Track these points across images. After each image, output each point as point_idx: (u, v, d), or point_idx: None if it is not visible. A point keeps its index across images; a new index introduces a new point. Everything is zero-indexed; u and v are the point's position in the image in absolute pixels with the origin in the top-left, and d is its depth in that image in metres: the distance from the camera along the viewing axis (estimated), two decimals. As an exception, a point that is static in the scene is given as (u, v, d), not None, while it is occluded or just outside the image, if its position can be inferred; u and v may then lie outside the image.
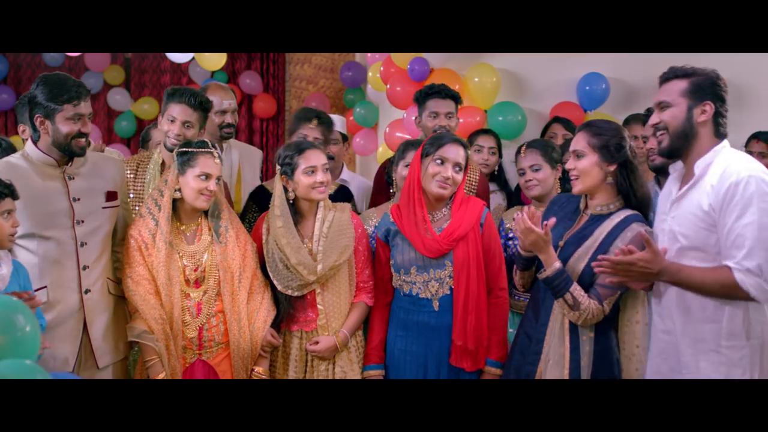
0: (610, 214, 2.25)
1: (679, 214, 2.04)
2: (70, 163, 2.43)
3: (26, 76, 6.24)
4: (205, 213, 2.53)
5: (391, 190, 2.92)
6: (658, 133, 2.09)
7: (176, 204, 2.47)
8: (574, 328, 2.23)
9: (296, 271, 2.47)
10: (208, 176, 2.42)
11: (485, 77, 3.82)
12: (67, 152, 2.39)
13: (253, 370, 2.51)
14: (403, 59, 4.06)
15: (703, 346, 1.99)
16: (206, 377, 2.42)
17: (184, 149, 2.46)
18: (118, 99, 6.20)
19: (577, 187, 2.28)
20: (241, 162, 3.45)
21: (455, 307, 2.45)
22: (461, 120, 3.31)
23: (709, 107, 2.02)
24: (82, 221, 2.42)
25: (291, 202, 2.54)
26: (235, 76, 6.29)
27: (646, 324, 2.20)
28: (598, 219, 2.26)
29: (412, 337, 2.50)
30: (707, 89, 2.03)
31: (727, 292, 1.93)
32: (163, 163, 2.88)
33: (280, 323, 2.56)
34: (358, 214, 2.85)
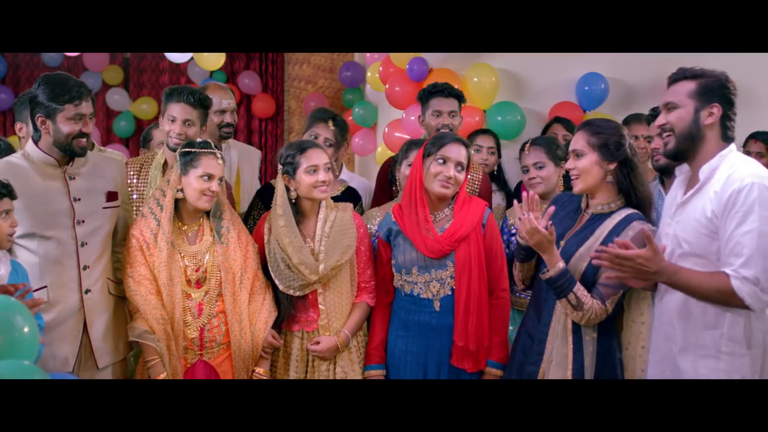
0: (611, 213, 2.25)
1: (683, 220, 2.03)
2: (70, 163, 2.43)
3: (25, 76, 6.23)
4: (207, 213, 2.53)
5: (394, 188, 2.92)
6: (665, 135, 2.07)
7: (178, 204, 2.47)
8: (576, 328, 2.23)
9: (298, 271, 2.47)
10: (210, 177, 2.42)
11: (484, 77, 3.82)
12: (68, 152, 2.39)
13: (254, 370, 2.51)
14: (402, 59, 4.06)
15: (703, 352, 1.97)
16: (207, 378, 2.42)
17: (186, 149, 2.46)
18: (116, 99, 6.20)
19: (577, 187, 2.28)
20: (240, 162, 3.45)
21: (456, 308, 2.44)
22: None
23: (717, 110, 1.99)
24: (83, 221, 2.42)
25: (293, 201, 2.54)
26: (234, 76, 6.29)
27: (651, 324, 2.19)
28: (599, 218, 2.26)
29: (412, 338, 2.50)
30: (715, 91, 2.00)
31: (723, 298, 1.91)
32: (165, 163, 2.88)
33: (281, 323, 2.56)
34: (362, 214, 2.85)
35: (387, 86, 4.18)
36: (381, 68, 4.36)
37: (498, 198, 3.49)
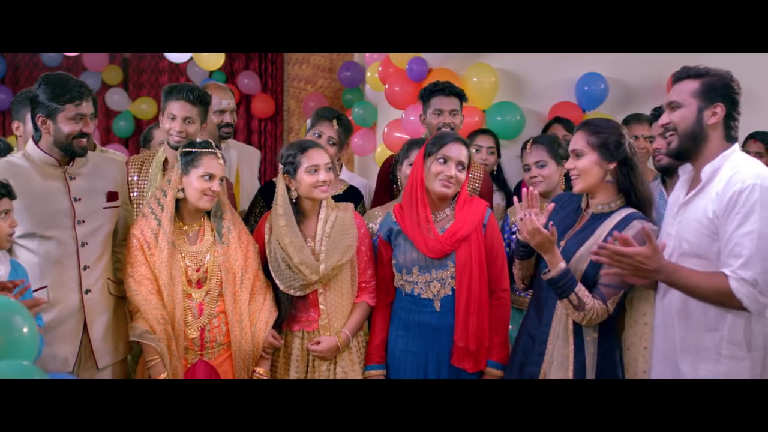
0: (612, 212, 2.24)
1: (685, 219, 2.01)
2: (71, 163, 2.44)
3: (24, 76, 6.24)
4: (208, 213, 2.53)
5: (395, 187, 2.91)
6: (668, 134, 2.05)
7: (179, 204, 2.47)
8: (577, 328, 2.22)
9: (299, 271, 2.47)
10: (211, 176, 2.42)
11: (484, 77, 3.82)
12: (69, 152, 2.39)
13: (254, 371, 2.51)
14: (401, 59, 4.06)
15: (703, 355, 1.96)
16: (208, 378, 2.42)
17: (187, 149, 2.46)
18: (116, 99, 6.20)
19: (577, 186, 2.28)
20: (240, 162, 3.45)
21: (457, 308, 2.44)
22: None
23: (720, 109, 1.98)
24: (83, 221, 2.42)
25: (294, 201, 2.54)
26: (234, 76, 6.29)
27: (654, 325, 2.18)
28: (599, 218, 2.26)
29: (413, 338, 2.50)
30: (719, 90, 1.98)
31: (721, 299, 1.89)
32: (165, 161, 2.88)
33: (281, 323, 2.56)
34: (363, 213, 2.85)
35: (386, 86, 4.18)
36: (380, 68, 4.36)
37: (498, 198, 3.49)
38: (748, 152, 3.28)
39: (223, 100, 3.21)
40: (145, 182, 2.86)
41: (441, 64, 3.95)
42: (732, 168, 1.93)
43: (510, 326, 2.60)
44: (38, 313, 2.07)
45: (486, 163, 3.43)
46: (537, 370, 2.27)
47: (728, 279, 1.86)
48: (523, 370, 2.33)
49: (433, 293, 2.47)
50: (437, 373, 2.48)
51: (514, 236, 2.79)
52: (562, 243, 2.28)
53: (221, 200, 2.52)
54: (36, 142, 2.40)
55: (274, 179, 2.96)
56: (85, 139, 2.39)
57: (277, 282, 2.51)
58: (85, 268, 2.42)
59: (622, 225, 2.19)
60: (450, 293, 2.46)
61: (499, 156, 3.53)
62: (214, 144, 2.50)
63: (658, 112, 2.80)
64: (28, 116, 2.92)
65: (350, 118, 5.15)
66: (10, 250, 2.29)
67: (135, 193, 2.84)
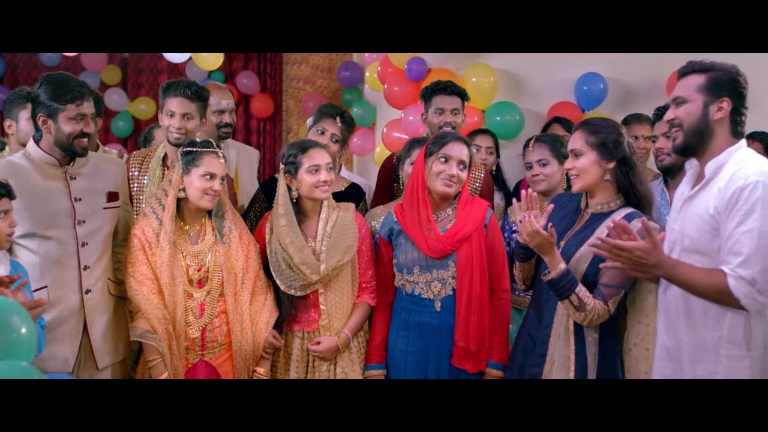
0: (611, 212, 2.24)
1: (688, 215, 1.99)
2: (71, 163, 2.44)
3: (23, 76, 6.23)
4: (209, 213, 2.53)
5: (395, 186, 2.91)
6: (673, 130, 2.03)
7: (180, 204, 2.47)
8: (578, 329, 2.22)
9: (299, 271, 2.47)
10: (212, 176, 2.42)
11: (483, 77, 3.82)
12: (69, 152, 2.39)
13: (254, 370, 2.51)
14: (400, 59, 4.06)
15: (702, 354, 1.94)
16: (209, 378, 2.42)
17: (188, 149, 2.46)
18: (115, 99, 6.19)
19: (576, 186, 2.27)
20: (239, 162, 3.45)
21: (458, 308, 2.44)
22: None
23: (727, 104, 1.94)
24: (84, 221, 2.42)
25: (294, 201, 2.54)
26: (232, 76, 6.29)
27: (656, 326, 2.17)
28: (598, 218, 2.26)
29: (413, 338, 2.50)
30: (725, 85, 1.95)
31: (719, 297, 1.87)
32: (165, 157, 2.88)
33: (282, 323, 2.55)
34: (365, 211, 2.85)
35: (385, 86, 4.18)
36: (379, 68, 4.36)
37: (497, 198, 3.49)
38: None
39: (222, 100, 3.21)
40: (146, 177, 2.86)
41: (440, 64, 3.95)
42: (736, 164, 1.91)
43: (510, 326, 2.60)
44: (41, 312, 2.06)
45: (485, 163, 3.43)
46: (539, 371, 2.27)
47: (727, 277, 1.85)
48: (524, 370, 2.32)
49: (434, 293, 2.47)
50: (437, 373, 2.48)
51: (514, 236, 2.79)
52: (562, 243, 2.28)
53: (222, 200, 2.52)
54: (37, 141, 2.40)
55: (275, 176, 2.96)
56: (86, 139, 2.39)
57: (277, 282, 2.51)
58: (86, 268, 2.42)
59: (616, 230, 2.18)
60: (451, 293, 2.46)
61: (498, 156, 3.53)
62: (214, 143, 2.50)
63: (660, 112, 2.79)
64: (21, 114, 2.93)
65: (349, 117, 5.16)
66: (10, 250, 2.29)
67: (135, 188, 2.84)
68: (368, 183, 3.60)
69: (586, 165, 2.23)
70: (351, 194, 2.95)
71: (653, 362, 2.14)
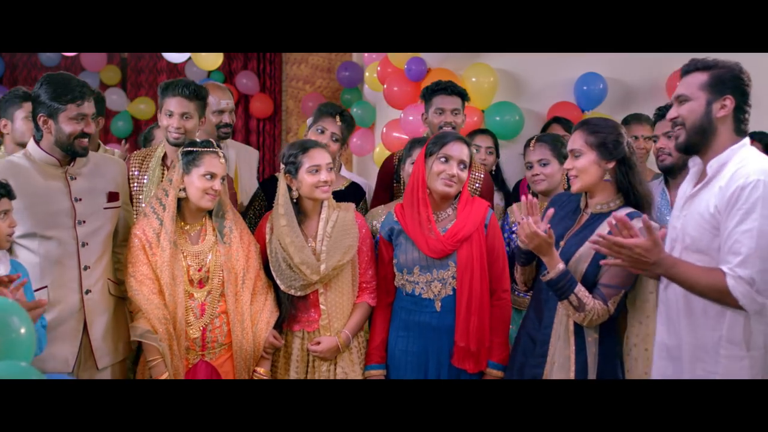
0: (611, 212, 2.23)
1: (689, 213, 1.98)
2: (72, 163, 2.44)
3: (22, 76, 6.22)
4: (210, 213, 2.53)
5: (395, 185, 2.90)
6: (676, 128, 2.01)
7: (181, 203, 2.47)
8: (579, 329, 2.22)
9: (299, 271, 2.47)
10: (213, 176, 2.42)
11: (482, 77, 3.82)
12: (70, 152, 2.39)
13: (254, 370, 2.50)
14: (400, 59, 4.06)
15: (702, 354, 1.93)
16: (209, 378, 2.42)
17: (189, 149, 2.46)
18: (114, 99, 6.18)
19: (576, 185, 2.27)
20: (238, 162, 3.45)
21: (458, 308, 2.44)
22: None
23: (730, 102, 1.92)
24: (84, 221, 2.41)
25: (295, 201, 2.53)
26: (232, 76, 6.29)
27: (656, 327, 2.16)
28: (598, 218, 2.26)
29: (413, 338, 2.50)
30: (728, 83, 1.93)
31: (717, 296, 1.86)
32: (164, 157, 2.88)
33: (282, 323, 2.55)
34: (365, 210, 2.84)
35: (385, 86, 4.18)
36: (379, 68, 4.36)
37: (496, 198, 3.49)
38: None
39: (221, 101, 3.21)
40: (145, 177, 2.86)
41: (440, 64, 3.95)
42: (738, 162, 1.89)
43: (510, 327, 2.59)
44: (41, 313, 2.06)
45: (485, 163, 3.43)
46: (539, 372, 2.26)
47: (725, 276, 1.83)
48: (524, 371, 2.32)
49: (434, 293, 2.47)
50: (437, 373, 2.48)
51: (513, 236, 2.79)
52: (562, 243, 2.28)
53: (223, 200, 2.52)
54: (37, 141, 2.40)
55: (275, 174, 2.96)
56: (86, 139, 2.39)
57: (277, 282, 2.51)
58: (86, 268, 2.42)
59: (617, 226, 2.18)
60: (451, 293, 2.46)
61: (497, 156, 3.53)
62: (215, 143, 2.50)
63: (661, 112, 2.79)
64: (16, 114, 2.94)
65: (349, 117, 5.16)
66: (10, 250, 2.28)
67: (135, 188, 2.84)
68: (368, 183, 3.60)
69: (585, 165, 2.23)
70: (351, 193, 2.95)
71: (653, 363, 2.14)
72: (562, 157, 2.83)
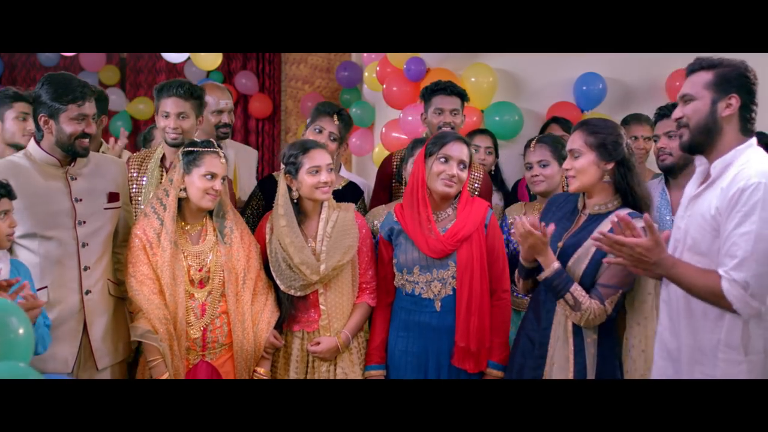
0: (609, 212, 2.24)
1: (692, 214, 1.95)
2: (72, 164, 2.44)
3: (21, 76, 6.22)
4: (210, 213, 2.53)
5: (395, 184, 2.90)
6: (680, 128, 1.97)
7: (181, 204, 2.47)
8: (577, 330, 2.21)
9: (299, 271, 2.46)
10: (213, 176, 2.42)
11: (482, 77, 3.82)
12: (71, 152, 2.39)
13: (255, 371, 2.50)
14: (399, 59, 4.06)
15: (701, 357, 1.90)
16: (210, 378, 2.41)
17: (189, 149, 2.46)
18: (113, 99, 6.15)
19: (574, 185, 2.27)
20: (237, 162, 3.45)
21: (458, 308, 2.44)
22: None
23: (735, 100, 1.88)
24: (84, 222, 2.41)
25: (295, 201, 2.53)
26: (231, 76, 6.28)
27: (655, 328, 2.15)
28: (596, 218, 2.25)
29: (412, 338, 2.50)
30: (733, 81, 1.89)
31: (713, 299, 1.83)
32: (163, 159, 2.88)
33: (282, 323, 2.55)
34: (365, 212, 2.84)
35: (384, 86, 4.18)
36: (378, 68, 4.36)
37: (496, 198, 3.49)
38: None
39: (220, 100, 3.21)
40: (144, 178, 2.86)
41: (439, 64, 3.95)
42: (743, 163, 1.85)
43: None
44: (39, 314, 2.06)
45: (484, 163, 3.43)
46: (539, 373, 2.26)
47: (721, 279, 1.80)
48: (522, 373, 2.32)
49: (434, 293, 2.46)
50: (437, 373, 2.48)
51: (513, 237, 2.79)
52: (560, 244, 2.28)
53: (223, 200, 2.52)
54: (38, 142, 2.40)
55: (273, 173, 2.96)
56: (87, 140, 2.39)
57: (277, 282, 2.51)
58: (86, 268, 2.41)
59: (620, 224, 2.17)
60: (451, 293, 2.46)
61: (497, 156, 3.53)
62: (215, 143, 2.50)
63: (661, 112, 2.78)
64: (7, 114, 2.95)
65: (348, 117, 5.15)
66: (10, 250, 2.28)
67: (134, 189, 2.84)
68: (367, 183, 3.60)
69: (584, 165, 2.23)
70: (349, 193, 2.94)
71: (651, 364, 2.13)
72: (562, 159, 2.82)
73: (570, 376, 2.20)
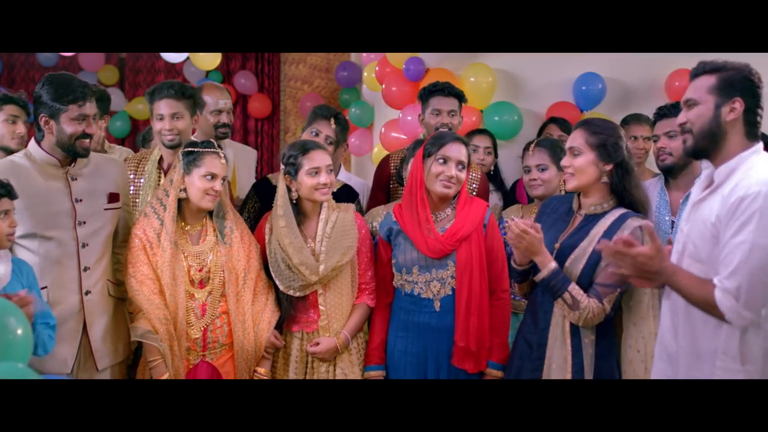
0: (605, 213, 2.24)
1: (695, 220, 1.92)
2: (73, 164, 2.43)
3: (20, 76, 6.22)
4: (210, 214, 2.53)
5: (393, 185, 2.90)
6: (684, 134, 1.94)
7: (181, 204, 2.47)
8: (575, 331, 2.21)
9: (298, 272, 2.46)
10: (213, 176, 2.41)
11: (481, 77, 3.82)
12: (71, 153, 2.39)
13: (255, 370, 2.50)
14: (398, 59, 4.06)
15: (698, 363, 1.88)
16: (210, 378, 2.41)
17: (189, 149, 2.46)
18: (112, 99, 6.16)
19: (570, 184, 2.26)
20: (236, 162, 3.45)
21: (457, 308, 2.43)
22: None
23: (739, 104, 1.84)
24: (84, 222, 2.41)
25: (294, 202, 2.53)
26: (230, 76, 6.28)
27: (653, 329, 2.15)
28: (592, 219, 2.25)
29: (412, 338, 2.49)
30: (737, 85, 1.85)
31: (707, 308, 1.79)
32: (161, 160, 2.88)
33: (281, 324, 2.55)
34: (363, 213, 2.83)
35: (383, 86, 4.18)
36: (377, 68, 4.36)
37: (495, 198, 3.49)
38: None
39: (219, 100, 3.21)
40: (142, 179, 2.86)
41: (438, 64, 3.95)
42: (747, 170, 1.81)
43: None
44: (33, 311, 2.05)
45: (483, 163, 3.43)
46: (537, 375, 2.25)
47: (715, 288, 1.77)
48: (521, 375, 2.31)
49: (433, 293, 2.46)
50: (437, 373, 2.48)
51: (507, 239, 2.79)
52: (556, 246, 2.27)
53: (223, 200, 2.52)
54: (38, 142, 2.40)
55: (268, 176, 2.96)
56: (87, 140, 2.39)
57: (277, 282, 2.51)
58: (86, 269, 2.41)
59: (617, 224, 2.18)
60: (450, 293, 2.45)
61: (496, 156, 3.53)
62: (215, 144, 2.50)
63: (661, 112, 2.77)
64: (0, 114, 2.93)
65: (347, 118, 5.15)
66: (10, 250, 2.28)
67: (132, 191, 2.84)
68: (366, 183, 3.60)
69: (583, 164, 2.23)
70: (344, 196, 2.93)
71: (649, 364, 2.12)
72: (560, 163, 2.83)
73: (568, 376, 2.20)
